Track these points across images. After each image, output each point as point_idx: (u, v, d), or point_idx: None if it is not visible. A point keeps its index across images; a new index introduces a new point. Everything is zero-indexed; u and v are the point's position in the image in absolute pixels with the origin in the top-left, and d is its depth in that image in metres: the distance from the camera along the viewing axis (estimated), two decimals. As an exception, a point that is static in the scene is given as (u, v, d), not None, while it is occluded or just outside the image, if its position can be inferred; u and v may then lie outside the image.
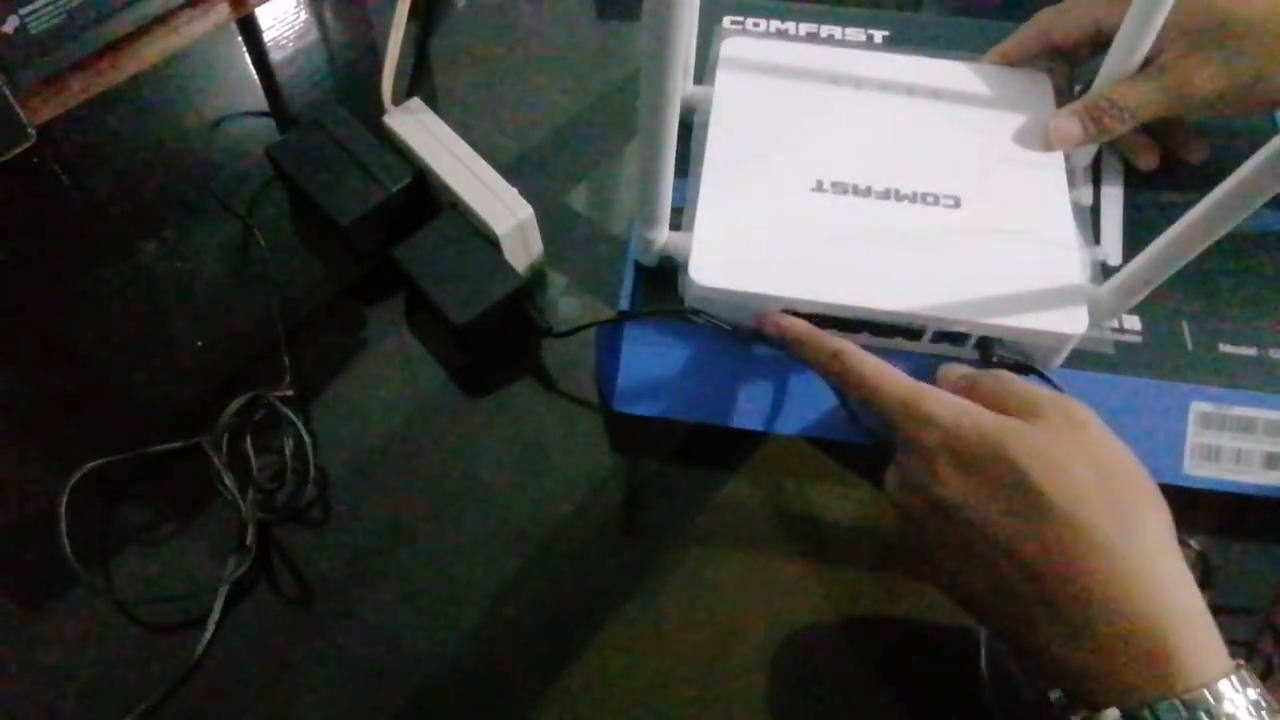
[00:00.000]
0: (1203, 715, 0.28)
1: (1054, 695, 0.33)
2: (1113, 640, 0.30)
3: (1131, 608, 0.30)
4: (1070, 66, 0.50)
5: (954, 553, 0.34)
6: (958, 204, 0.44)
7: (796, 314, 0.42)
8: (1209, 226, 0.35)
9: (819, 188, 0.44)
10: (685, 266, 0.42)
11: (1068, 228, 0.43)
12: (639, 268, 0.46)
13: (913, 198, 0.44)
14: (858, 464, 0.44)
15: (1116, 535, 0.31)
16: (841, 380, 0.39)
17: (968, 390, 0.37)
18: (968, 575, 0.34)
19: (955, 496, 0.33)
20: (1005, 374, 0.37)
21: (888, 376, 0.37)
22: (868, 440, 0.42)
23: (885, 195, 0.44)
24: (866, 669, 0.39)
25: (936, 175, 0.45)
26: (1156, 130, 0.48)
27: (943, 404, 0.35)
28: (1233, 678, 0.29)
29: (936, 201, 0.44)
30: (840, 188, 0.44)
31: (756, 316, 0.42)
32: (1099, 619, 0.30)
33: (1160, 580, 0.31)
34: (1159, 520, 0.32)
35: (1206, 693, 0.29)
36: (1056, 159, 0.46)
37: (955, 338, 0.42)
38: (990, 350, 0.42)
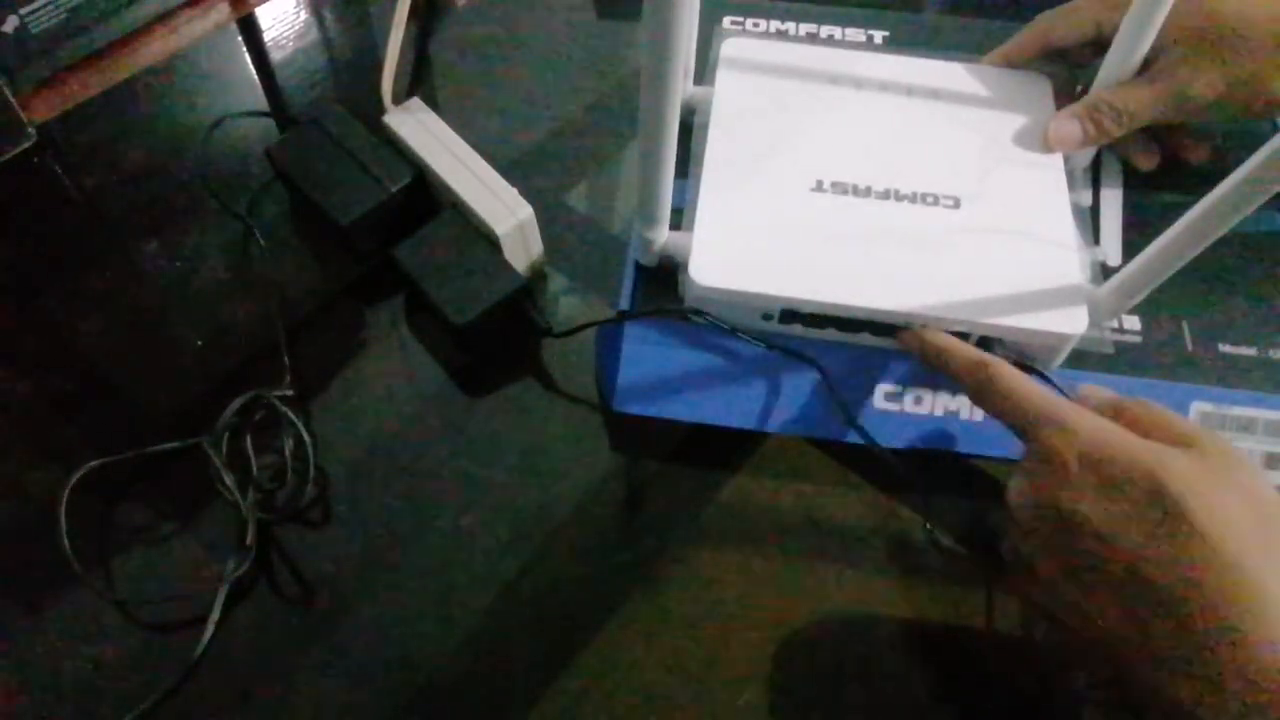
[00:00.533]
0: None
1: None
2: (1245, 686, 0.28)
3: (1276, 652, 0.28)
4: (1070, 69, 0.50)
5: (1081, 576, 0.32)
6: (957, 204, 0.44)
7: (796, 314, 0.42)
8: (1209, 226, 0.35)
9: (819, 188, 0.44)
10: (685, 266, 0.42)
11: (1067, 228, 0.43)
12: (639, 268, 0.46)
13: (912, 198, 0.44)
14: (858, 463, 0.44)
15: (1268, 571, 0.29)
16: (984, 389, 0.37)
17: (1114, 412, 0.35)
18: (1088, 599, 0.32)
19: (1091, 513, 0.32)
20: (1157, 405, 0.35)
21: (1031, 388, 0.36)
22: (868, 439, 0.42)
23: (885, 195, 0.44)
24: (869, 668, 0.39)
25: (936, 176, 0.45)
26: (1156, 132, 0.48)
27: (1089, 419, 0.34)
28: None
29: (936, 202, 0.44)
30: (840, 188, 0.44)
31: (901, 336, 0.42)
32: (1236, 659, 0.29)
33: None
34: None
35: None
36: (1056, 160, 0.46)
37: (955, 338, 0.42)
38: (990, 350, 0.42)
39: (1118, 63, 0.44)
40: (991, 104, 0.48)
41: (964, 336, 0.41)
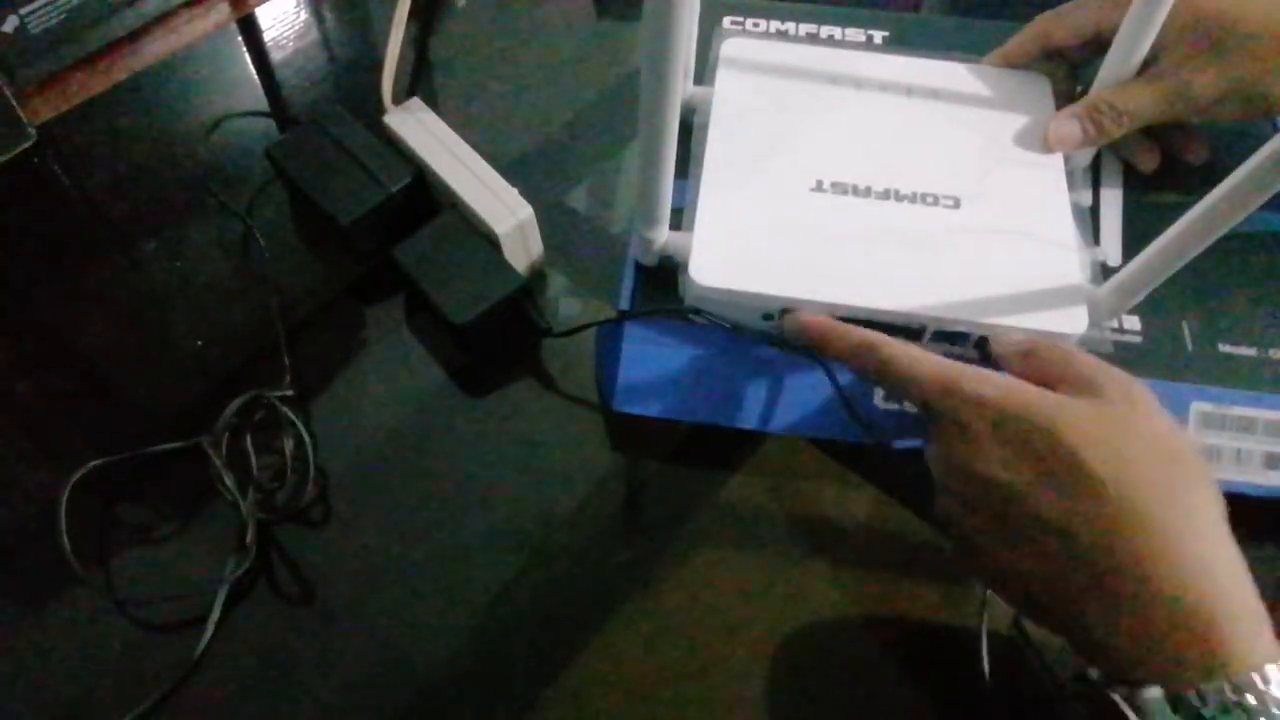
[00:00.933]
0: (1249, 698, 0.28)
1: (1093, 674, 0.33)
2: (1161, 622, 0.30)
3: (1183, 590, 0.30)
4: (1070, 69, 0.50)
5: (1000, 533, 0.33)
6: (957, 204, 0.44)
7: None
8: (1208, 226, 0.35)
9: (819, 188, 0.44)
10: (685, 266, 0.42)
11: (1067, 228, 0.43)
12: (639, 268, 0.46)
13: (912, 198, 0.44)
14: (858, 463, 0.44)
15: (1169, 517, 0.31)
16: (876, 371, 0.38)
17: (1025, 357, 0.36)
18: (1013, 556, 0.33)
19: (1003, 475, 0.32)
20: (1062, 346, 0.36)
21: (923, 359, 0.36)
22: (868, 440, 0.42)
23: (885, 195, 0.44)
24: (868, 667, 0.39)
25: (936, 176, 0.45)
26: (1156, 132, 0.48)
27: (986, 383, 0.34)
28: None
29: (936, 202, 0.44)
30: (840, 188, 0.44)
31: (784, 321, 0.42)
32: (1148, 600, 0.30)
33: (1212, 563, 0.31)
34: (1212, 503, 0.32)
35: (1255, 675, 0.28)
36: (1056, 160, 0.46)
37: (955, 337, 0.42)
38: (990, 350, 0.41)
39: (1118, 63, 0.44)
40: (991, 104, 0.48)
41: (964, 336, 0.41)
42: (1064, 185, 0.45)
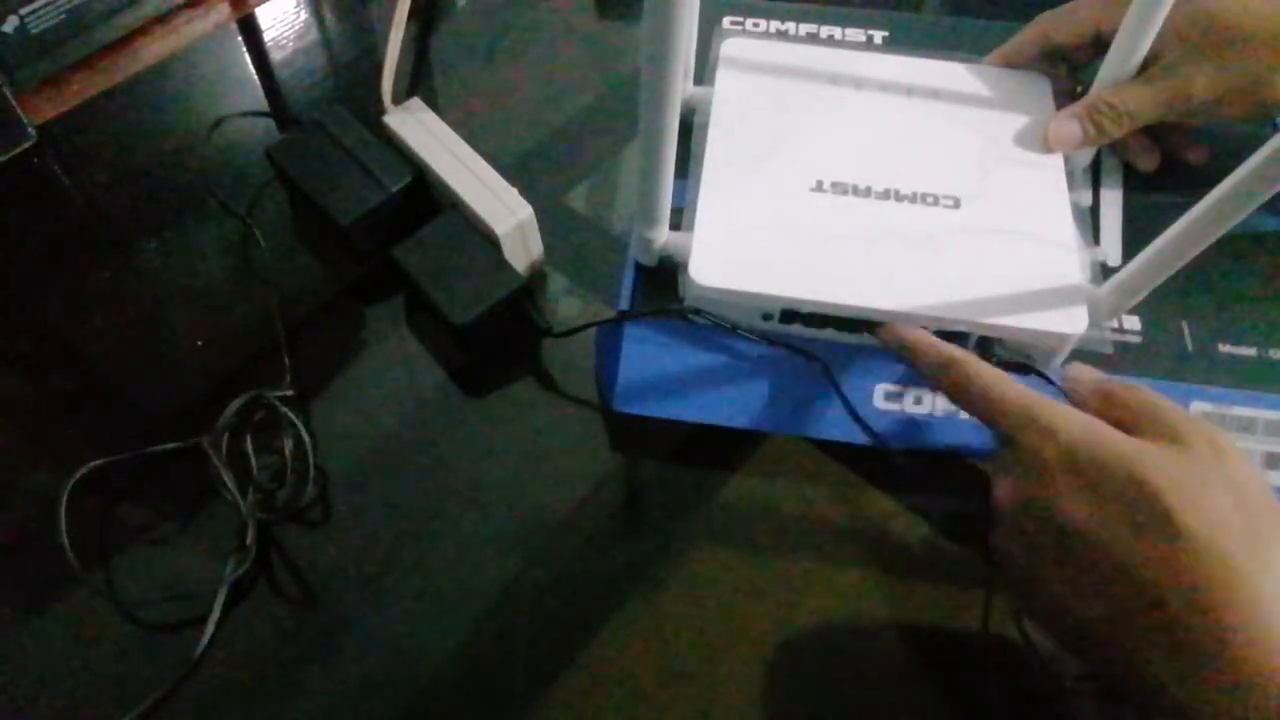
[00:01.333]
0: None
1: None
2: (1241, 679, 0.28)
3: (1270, 644, 0.28)
4: (1070, 69, 0.50)
5: (1066, 574, 0.32)
6: (957, 204, 0.44)
7: (796, 314, 0.42)
8: (1208, 227, 0.35)
9: (819, 188, 0.44)
10: (685, 267, 0.42)
11: (1067, 228, 0.43)
12: (639, 267, 0.46)
13: (912, 198, 0.44)
14: (858, 463, 0.44)
15: (1257, 567, 0.29)
16: (957, 389, 0.37)
17: (1103, 399, 0.35)
18: (1075, 598, 0.32)
19: (1076, 514, 0.31)
20: (1145, 390, 0.35)
21: (1008, 385, 0.35)
22: (868, 440, 0.42)
23: (885, 195, 0.44)
24: (868, 668, 0.39)
25: (936, 176, 0.45)
26: (1156, 132, 0.48)
27: (1067, 418, 0.33)
28: None
29: (936, 202, 0.44)
30: (840, 188, 0.44)
31: (878, 332, 0.42)
32: (1229, 654, 0.29)
33: None
34: None
35: None
36: (1056, 160, 0.46)
37: (955, 337, 0.42)
38: (990, 350, 0.42)
39: (1117, 63, 0.44)
40: (991, 104, 0.48)
41: (964, 336, 0.41)
42: (1064, 185, 0.45)
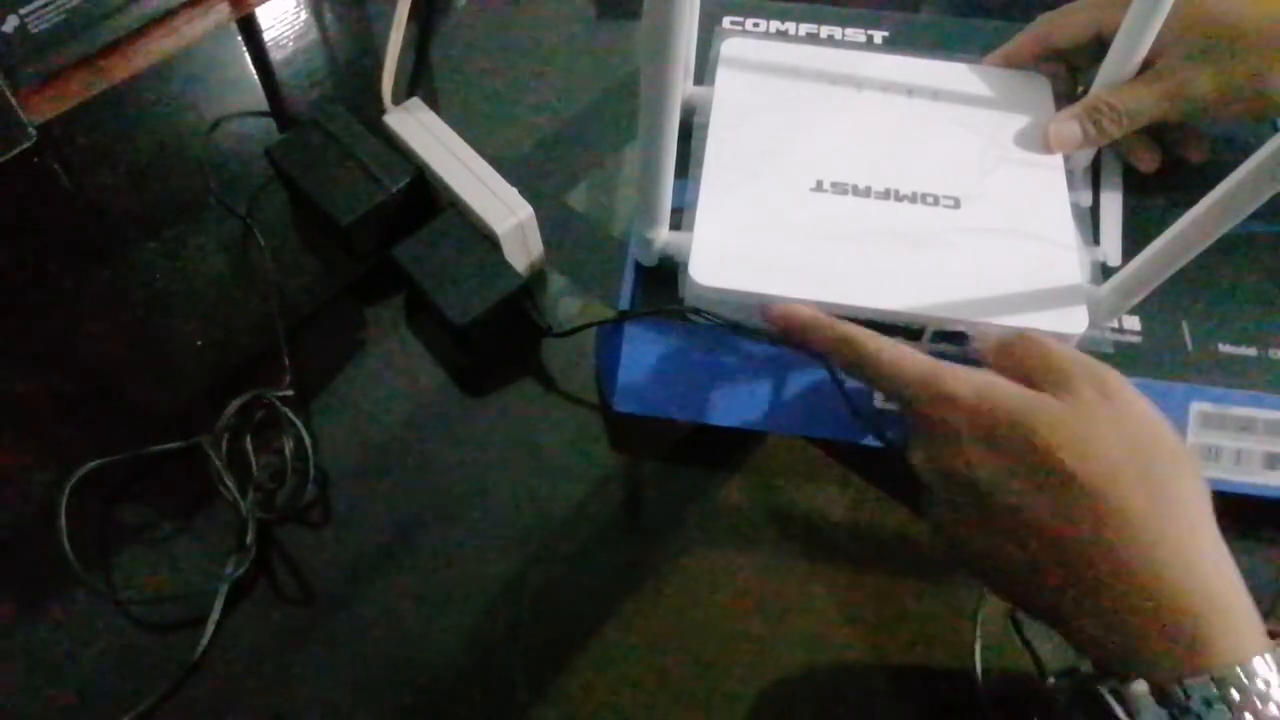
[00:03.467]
0: (1233, 692, 0.28)
1: (1083, 667, 0.33)
2: (1144, 615, 0.30)
3: (1164, 583, 0.30)
4: (1070, 71, 0.50)
5: (984, 531, 0.34)
6: (957, 204, 0.44)
7: None
8: (1208, 227, 0.35)
9: (819, 187, 0.44)
10: (685, 266, 0.42)
11: (1067, 228, 0.43)
12: (639, 267, 0.46)
13: (912, 198, 0.44)
14: (858, 463, 0.44)
15: (1150, 512, 0.31)
16: (855, 366, 0.38)
17: (1001, 352, 0.36)
18: (998, 553, 0.33)
19: (984, 476, 0.33)
20: (1039, 339, 0.36)
21: (903, 356, 0.36)
22: (869, 440, 0.42)
23: (885, 195, 0.44)
24: (867, 666, 0.39)
25: (936, 176, 0.45)
26: (1156, 132, 0.48)
27: (963, 381, 0.34)
28: (1267, 655, 0.29)
29: (936, 202, 0.44)
30: (840, 188, 0.44)
31: (760, 309, 0.42)
32: (1132, 598, 0.30)
33: (1194, 557, 0.31)
34: (1196, 495, 0.32)
35: (1239, 670, 0.29)
36: (1056, 160, 0.46)
37: (955, 337, 0.42)
38: (969, 346, 0.41)
39: (1117, 63, 0.44)
40: (992, 104, 0.48)
41: (965, 336, 0.41)
42: (1064, 186, 0.45)
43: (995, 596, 0.36)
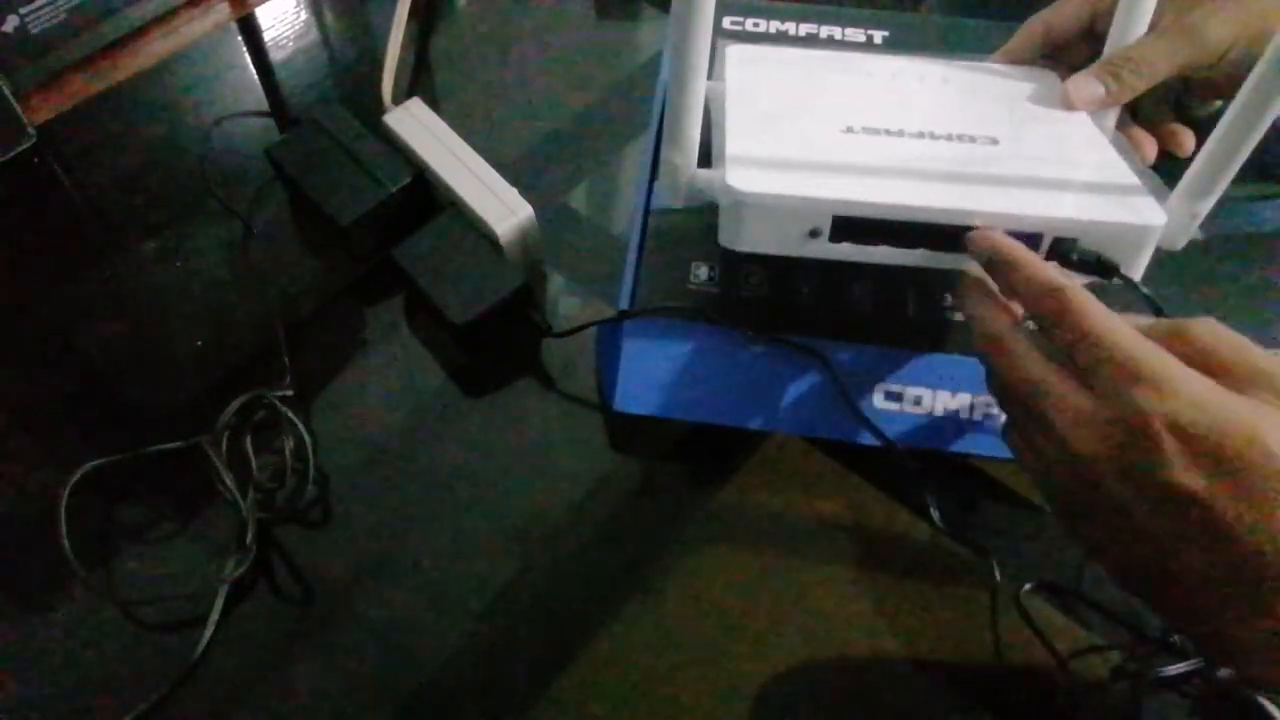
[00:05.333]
0: None
1: (1224, 673, 0.32)
2: None
3: None
4: (1071, 70, 0.49)
5: (1162, 534, 0.30)
6: (995, 142, 0.41)
7: (849, 224, 0.38)
8: (1257, 111, 0.34)
9: (850, 130, 0.41)
10: (720, 194, 0.38)
11: (1113, 157, 0.41)
12: (639, 266, 0.46)
13: (949, 137, 0.41)
14: (858, 463, 0.44)
15: None
16: (1058, 319, 0.33)
17: (1176, 340, 0.32)
18: (1169, 560, 0.30)
19: (1193, 483, 0.29)
20: (1219, 327, 0.32)
21: (1121, 330, 0.32)
22: (869, 440, 0.42)
23: (920, 136, 0.41)
24: (869, 666, 0.39)
25: (970, 121, 0.43)
26: (1147, 123, 0.48)
27: (1187, 378, 0.30)
28: None
29: (974, 140, 0.41)
30: (872, 130, 0.41)
31: (967, 238, 0.37)
32: None
33: None
34: None
35: None
36: (1083, 117, 0.44)
37: (1026, 239, 0.37)
38: (1068, 254, 0.37)
39: (1126, 25, 0.44)
40: (1006, 93, 0.47)
41: (1036, 239, 0.37)
42: (1098, 133, 0.43)
43: (1129, 592, 0.33)
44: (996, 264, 0.36)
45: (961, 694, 0.39)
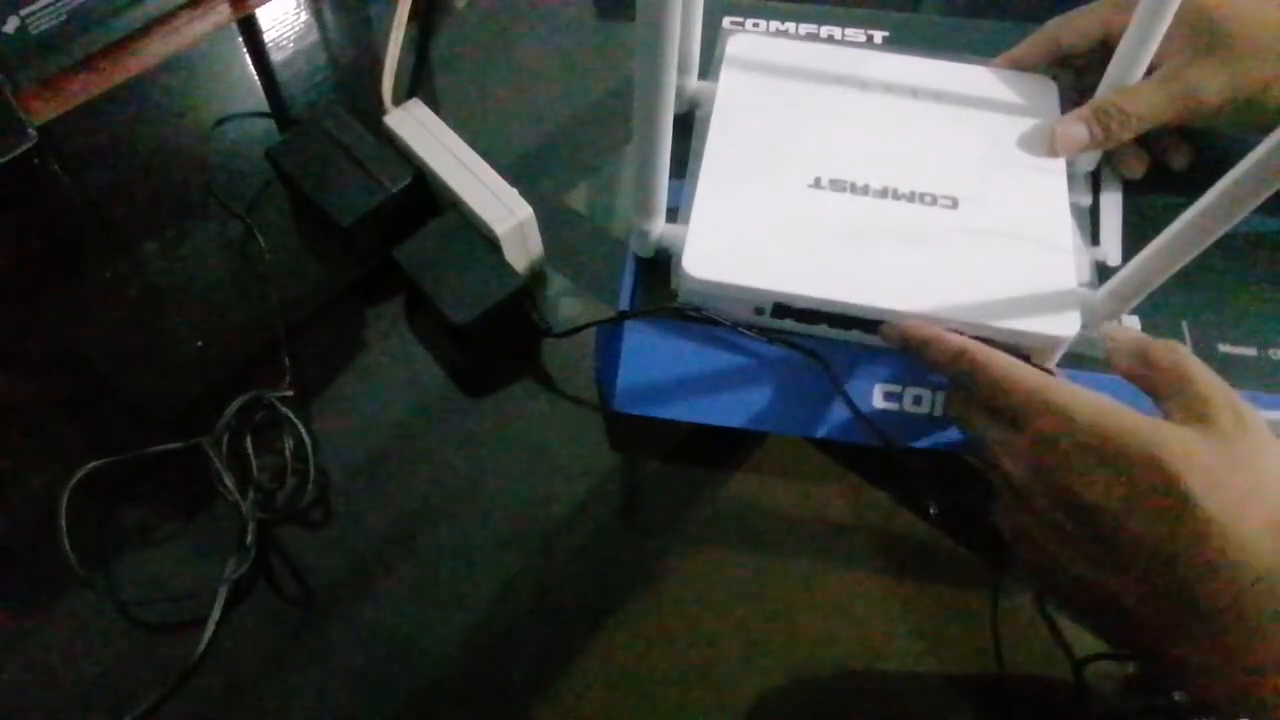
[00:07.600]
0: None
1: (1178, 696, 0.32)
2: (1261, 655, 0.29)
3: None
4: (1077, 75, 0.49)
5: (1090, 554, 0.32)
6: (955, 204, 0.44)
7: (788, 309, 0.42)
8: (1203, 231, 0.35)
9: (817, 184, 0.44)
10: (679, 260, 0.42)
11: (1065, 231, 0.43)
12: (639, 267, 0.46)
13: (910, 197, 0.44)
14: (858, 463, 0.44)
15: (1275, 550, 0.29)
16: (969, 377, 0.38)
17: (1139, 358, 0.35)
18: (1101, 578, 0.32)
19: (1100, 497, 0.31)
20: (1181, 352, 0.35)
21: (1019, 370, 0.36)
22: (869, 440, 0.42)
23: (883, 194, 0.44)
24: (870, 667, 0.39)
25: (936, 176, 0.45)
26: (1144, 136, 0.48)
27: (1083, 400, 0.33)
28: None
29: (934, 202, 0.44)
30: (838, 185, 0.44)
31: (882, 329, 0.42)
32: (1251, 634, 0.29)
33: None
34: None
35: None
36: (1059, 164, 0.46)
37: (937, 327, 0.41)
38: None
39: (1124, 65, 0.44)
40: (997, 106, 0.48)
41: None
42: (1064, 188, 0.45)
43: (1077, 623, 0.35)
44: (909, 349, 0.40)
45: (962, 694, 0.39)
